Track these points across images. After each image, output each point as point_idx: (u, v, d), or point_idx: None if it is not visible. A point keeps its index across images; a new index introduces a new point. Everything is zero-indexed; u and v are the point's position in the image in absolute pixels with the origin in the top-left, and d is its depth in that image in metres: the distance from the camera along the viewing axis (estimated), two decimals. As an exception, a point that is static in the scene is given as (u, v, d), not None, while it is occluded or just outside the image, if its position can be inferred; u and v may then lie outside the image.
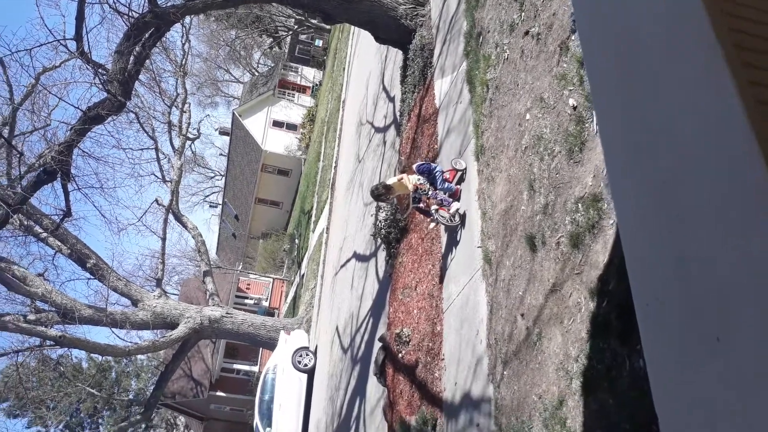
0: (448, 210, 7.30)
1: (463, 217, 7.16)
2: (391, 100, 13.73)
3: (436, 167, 7.56)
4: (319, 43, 42.86)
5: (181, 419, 38.73)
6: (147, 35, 10.95)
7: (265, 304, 33.50)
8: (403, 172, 7.94)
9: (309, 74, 42.11)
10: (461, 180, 7.52)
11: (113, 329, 16.05)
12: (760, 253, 1.31)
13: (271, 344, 18.02)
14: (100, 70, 11.72)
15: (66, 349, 18.27)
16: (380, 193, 7.83)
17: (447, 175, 7.57)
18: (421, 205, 7.61)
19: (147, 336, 18.89)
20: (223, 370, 29.26)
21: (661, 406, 1.52)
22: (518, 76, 6.18)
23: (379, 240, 11.07)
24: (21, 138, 14.52)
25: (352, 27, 23.18)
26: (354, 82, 21.49)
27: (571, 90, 4.99)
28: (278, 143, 37.91)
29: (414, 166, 7.80)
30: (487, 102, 7.00)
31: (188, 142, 22.67)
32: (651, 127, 1.77)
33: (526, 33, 6.14)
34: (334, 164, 21.34)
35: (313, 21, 37.27)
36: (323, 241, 19.85)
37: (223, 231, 47.04)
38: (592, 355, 3.91)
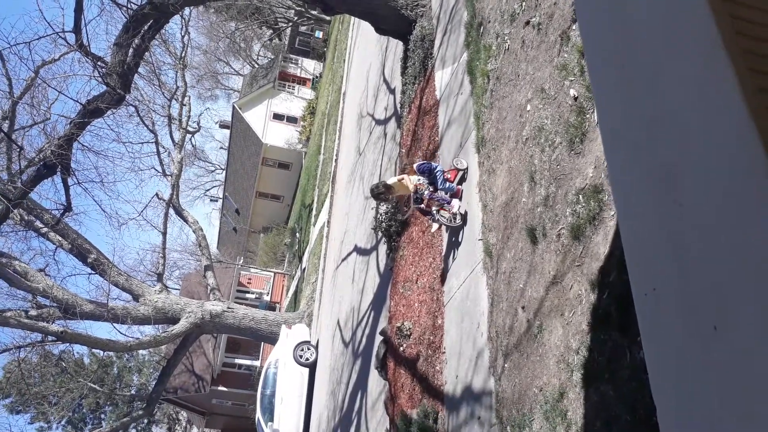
0: (450, 210, 7.22)
1: (464, 216, 7.07)
2: (392, 91, 13.67)
3: (437, 167, 7.44)
4: (319, 34, 42.69)
5: (183, 414, 38.91)
6: (146, 27, 10.89)
7: (267, 298, 33.53)
8: (403, 171, 7.83)
9: (309, 66, 41.98)
10: (463, 179, 7.40)
11: (114, 324, 16.06)
12: (759, 244, 1.29)
13: (272, 339, 18.04)
14: (99, 63, 11.67)
15: (68, 344, 18.28)
16: (380, 192, 7.72)
17: (448, 175, 7.44)
18: (422, 205, 7.51)
19: (148, 331, 18.91)
20: (224, 365, 29.32)
21: (660, 396, 1.51)
22: (519, 66, 6.13)
23: (379, 233, 11.04)
24: (21, 132, 14.48)
25: (353, 18, 23.08)
26: (354, 74, 21.41)
27: (572, 80, 4.94)
28: (279, 136, 37.84)
29: (414, 166, 7.71)
30: (487, 93, 6.95)
31: (188, 136, 22.59)
32: (651, 116, 1.74)
33: (527, 23, 6.08)
34: (334, 157, 21.29)
35: (313, 12, 37.14)
36: (324, 235, 19.84)
37: (224, 225, 47.04)
38: (593, 347, 3.89)
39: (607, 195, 4.15)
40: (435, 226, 7.89)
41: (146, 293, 17.17)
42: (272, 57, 45.31)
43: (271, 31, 44.84)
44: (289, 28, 43.36)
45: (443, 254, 7.70)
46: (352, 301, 13.11)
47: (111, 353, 31.28)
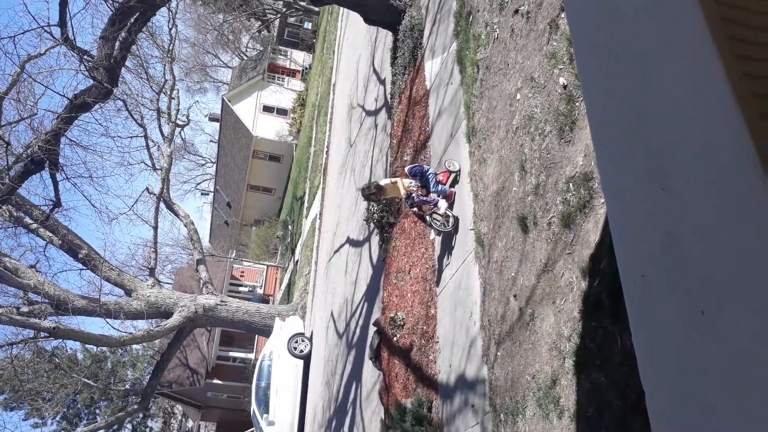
0: (437, 212, 7.13)
1: (456, 222, 7.00)
2: (382, 82, 13.63)
3: (428, 169, 7.37)
4: (308, 26, 42.40)
5: (179, 408, 38.95)
6: (132, 20, 10.79)
7: (260, 291, 33.51)
8: (395, 175, 7.73)
9: (298, 58, 41.73)
10: (455, 181, 7.31)
11: (107, 319, 16.02)
12: (747, 229, 1.31)
13: (266, 331, 18.06)
14: (85, 57, 11.56)
15: (60, 340, 18.23)
16: (372, 192, 7.64)
17: (440, 177, 7.35)
18: (416, 209, 7.44)
19: (141, 325, 18.88)
20: (219, 358, 29.34)
21: (648, 380, 1.53)
22: (508, 55, 6.12)
23: (372, 225, 11.05)
24: (7, 128, 14.32)
25: (341, 9, 22.93)
26: (344, 65, 21.31)
27: (561, 69, 4.94)
28: (269, 129, 37.65)
29: (406, 169, 7.64)
30: (477, 82, 6.94)
31: (178, 129, 22.47)
32: (638, 104, 1.75)
33: (516, 11, 6.07)
34: (325, 149, 21.23)
35: (302, 3, 36.89)
36: (316, 227, 19.82)
37: (216, 219, 46.85)
38: (585, 334, 3.92)
39: (597, 183, 4.17)
40: (432, 234, 7.74)
41: (138, 288, 17.12)
42: (261, 49, 44.99)
43: (259, 22, 44.49)
44: (278, 20, 43.05)
45: (435, 245, 7.72)
46: (345, 292, 13.13)
47: (104, 348, 31.20)
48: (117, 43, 10.91)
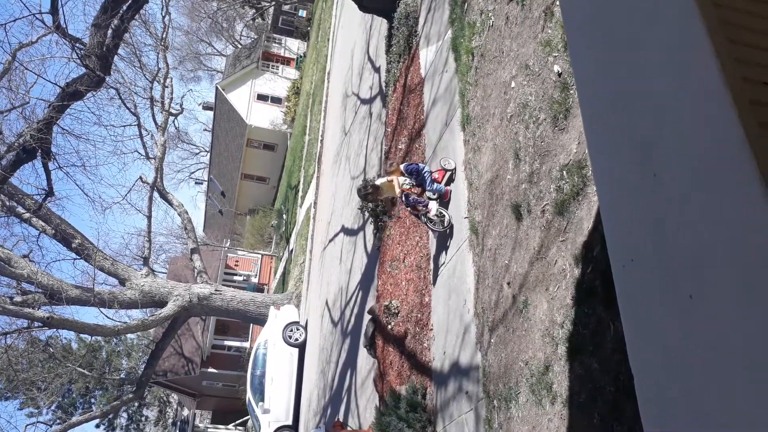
0: (427, 214, 7.05)
1: (450, 222, 6.93)
2: (377, 70, 13.57)
3: (424, 168, 7.30)
4: (302, 13, 42.07)
5: (174, 396, 39.04)
6: (125, 7, 10.69)
7: (254, 280, 33.54)
8: (390, 173, 7.65)
9: (293, 46, 41.45)
10: (451, 180, 7.24)
11: (101, 309, 16.00)
12: (734, 214, 1.32)
13: (261, 320, 18.09)
14: (77, 45, 11.46)
15: (54, 330, 18.21)
16: (368, 192, 7.58)
17: (436, 175, 7.28)
18: (410, 209, 7.40)
19: (136, 315, 18.86)
20: (214, 347, 29.40)
21: (636, 363, 1.55)
22: (503, 43, 6.11)
23: (366, 213, 11.04)
24: (-1, 117, 14.20)
25: (335, -3, 22.75)
26: (339, 54, 21.20)
27: (555, 56, 4.94)
28: (263, 117, 37.47)
29: (402, 166, 7.58)
30: (472, 70, 6.92)
31: (171, 118, 22.32)
32: (629, 89, 1.76)
33: (511, -1, 6.04)
34: (320, 138, 21.16)
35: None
36: (311, 216, 19.80)
37: (210, 208, 46.75)
38: (577, 321, 3.95)
39: (591, 170, 4.18)
40: (431, 234, 7.68)
41: (132, 277, 17.09)
42: (255, 37, 44.67)
43: (253, 10, 44.14)
44: (272, 8, 42.69)
45: (429, 233, 7.73)
46: (340, 281, 13.16)
47: (99, 338, 31.18)
48: (109, 31, 10.81)
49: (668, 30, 1.60)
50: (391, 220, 9.50)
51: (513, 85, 5.69)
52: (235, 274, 34.09)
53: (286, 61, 40.77)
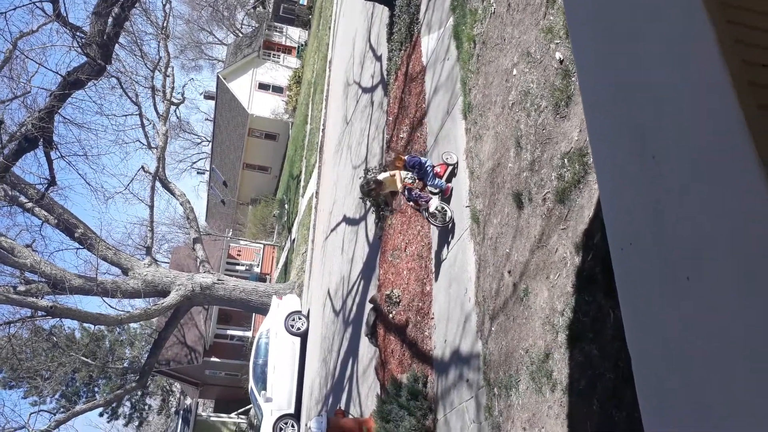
0: (427, 210, 7.02)
1: (452, 219, 6.89)
2: (378, 59, 13.51)
3: (426, 162, 7.25)
4: (303, 1, 41.79)
5: (177, 385, 39.25)
6: (124, -4, 10.63)
7: (257, 270, 33.60)
8: (393, 164, 7.60)
9: (294, 34, 41.23)
10: (453, 175, 7.17)
11: (104, 298, 16.06)
12: (732, 199, 1.31)
13: (263, 309, 18.15)
14: (78, 33, 11.42)
15: (58, 319, 18.29)
16: (371, 188, 7.54)
17: (438, 170, 7.22)
18: (411, 203, 7.37)
19: (139, 304, 18.92)
20: (216, 336, 29.52)
21: (634, 347, 1.55)
22: (505, 30, 6.07)
23: (368, 203, 11.03)
24: (1, 106, 14.19)
25: (337, -14, 22.60)
26: (340, 42, 21.09)
27: (557, 43, 4.91)
28: (265, 107, 37.34)
29: (405, 158, 7.50)
30: (474, 58, 6.89)
31: (173, 107, 22.24)
32: (629, 76, 1.75)
33: (513, -14, 5.99)
34: (321, 127, 21.11)
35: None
36: (313, 206, 19.80)
37: (212, 197, 46.74)
38: (578, 309, 3.95)
39: (592, 158, 4.16)
40: (434, 230, 7.66)
41: (135, 267, 17.14)
42: (256, 25, 44.43)
43: (254, -2, 43.87)
44: (273, -4, 42.40)
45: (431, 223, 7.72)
46: (341, 270, 13.18)
47: (102, 327, 31.33)
48: (110, 19, 10.77)
49: (671, 18, 1.58)
50: (392, 214, 9.49)
51: (515, 72, 5.66)
52: (238, 264, 34.16)
53: (288, 50, 40.59)
